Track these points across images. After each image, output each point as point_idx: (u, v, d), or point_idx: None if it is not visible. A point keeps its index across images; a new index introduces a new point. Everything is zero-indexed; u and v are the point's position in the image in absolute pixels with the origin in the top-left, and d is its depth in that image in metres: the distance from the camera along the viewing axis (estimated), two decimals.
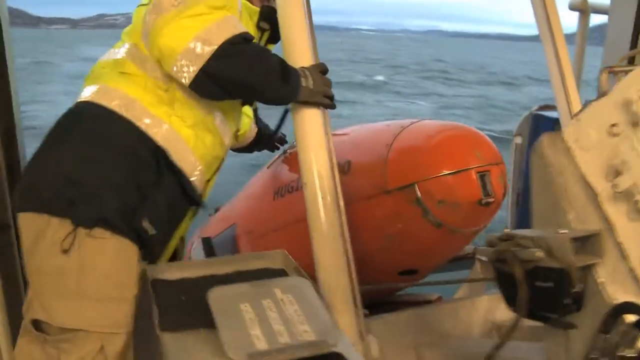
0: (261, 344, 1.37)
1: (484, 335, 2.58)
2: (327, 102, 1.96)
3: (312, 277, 1.88)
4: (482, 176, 2.27)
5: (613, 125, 1.42)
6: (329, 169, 1.94)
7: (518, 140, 4.19)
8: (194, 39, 1.72)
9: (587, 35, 4.14)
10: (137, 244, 1.78)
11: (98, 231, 1.70)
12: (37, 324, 1.72)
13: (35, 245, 1.70)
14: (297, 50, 2.00)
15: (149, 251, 1.84)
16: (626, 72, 1.48)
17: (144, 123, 1.83)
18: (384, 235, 2.47)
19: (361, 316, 1.96)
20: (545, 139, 1.59)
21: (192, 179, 1.95)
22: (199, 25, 1.73)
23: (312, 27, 2.05)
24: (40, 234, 1.69)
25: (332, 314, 1.82)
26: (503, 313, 2.54)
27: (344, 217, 1.94)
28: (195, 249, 4.30)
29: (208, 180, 2.12)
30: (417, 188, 2.28)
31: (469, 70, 46.45)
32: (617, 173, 1.39)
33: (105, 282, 1.71)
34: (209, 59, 1.72)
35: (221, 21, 1.78)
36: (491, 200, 2.27)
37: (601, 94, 1.48)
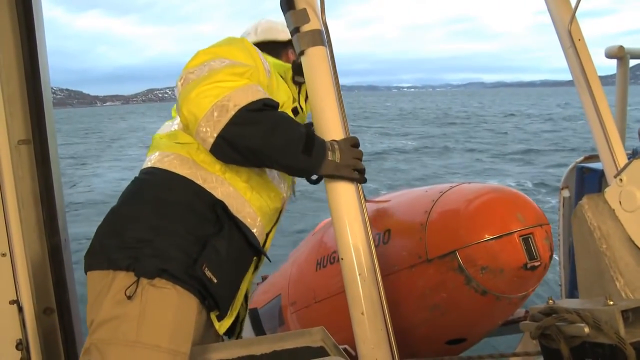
0: None
1: None
2: (355, 176, 1.91)
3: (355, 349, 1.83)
4: (526, 239, 2.19)
5: None
6: (365, 242, 1.90)
7: (565, 193, 4.05)
8: (213, 106, 1.78)
9: (628, 82, 4.04)
10: (200, 295, 1.82)
11: (160, 281, 1.76)
12: None
13: (99, 296, 1.79)
14: (327, 123, 2.00)
15: (216, 302, 1.87)
16: None
17: (201, 179, 1.95)
18: (428, 305, 2.39)
19: None
20: (586, 202, 1.53)
21: (252, 229, 2.02)
22: (219, 93, 1.80)
23: (341, 100, 2.05)
24: (106, 286, 1.78)
25: None
26: None
27: (382, 292, 1.88)
28: None
29: (268, 233, 2.18)
30: (458, 255, 2.22)
31: None
32: None
33: (162, 332, 1.74)
34: (226, 125, 1.78)
35: (240, 89, 1.83)
36: (537, 263, 2.18)
37: None
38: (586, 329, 1.25)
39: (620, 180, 1.45)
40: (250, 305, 4.23)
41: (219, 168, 1.97)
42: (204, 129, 1.80)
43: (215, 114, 1.78)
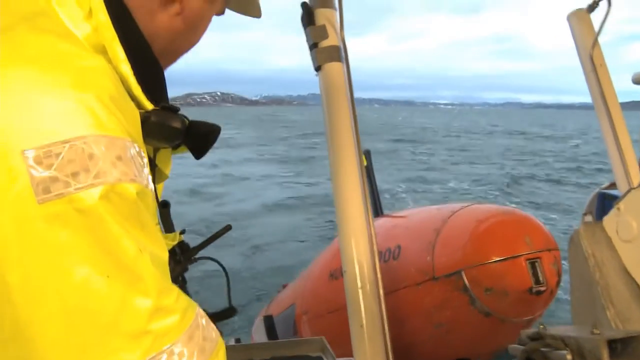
0: None
1: None
2: None
3: None
4: (533, 263, 2.19)
5: None
6: (369, 257, 1.93)
7: (588, 219, 4.00)
8: None
9: None
10: None
11: None
12: None
13: None
14: (340, 140, 2.04)
15: None
16: None
17: None
18: (433, 323, 2.41)
19: None
20: (582, 229, 1.54)
21: None
22: None
23: (356, 116, 2.08)
24: None
25: None
26: None
27: (383, 306, 1.91)
28: (257, 326, 4.33)
29: None
30: (463, 275, 2.23)
31: None
32: None
33: None
34: None
35: None
36: (543, 288, 2.17)
37: None
38: (569, 356, 1.26)
39: (618, 209, 1.46)
40: (267, 313, 4.29)
41: None
42: None
43: None
